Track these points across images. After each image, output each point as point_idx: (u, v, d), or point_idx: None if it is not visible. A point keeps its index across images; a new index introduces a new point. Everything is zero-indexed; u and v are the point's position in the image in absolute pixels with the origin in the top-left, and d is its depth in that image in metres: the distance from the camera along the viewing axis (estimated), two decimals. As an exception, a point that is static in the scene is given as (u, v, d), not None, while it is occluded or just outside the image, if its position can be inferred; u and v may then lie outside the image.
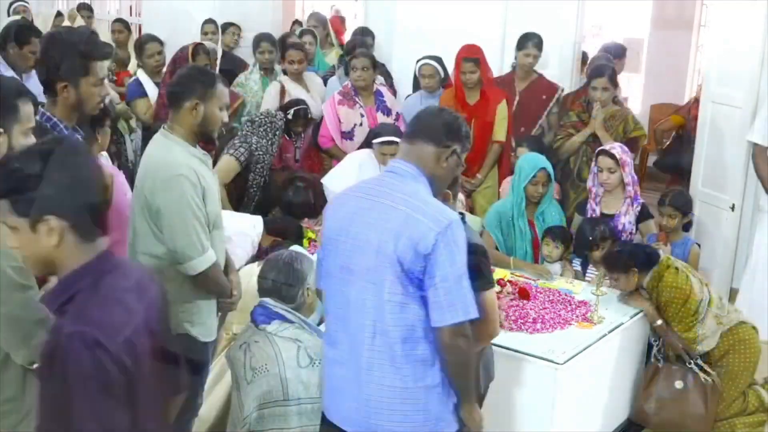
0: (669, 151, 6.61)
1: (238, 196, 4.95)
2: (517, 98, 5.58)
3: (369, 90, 5.48)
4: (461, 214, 2.73)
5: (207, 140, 3.15)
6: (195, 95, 2.93)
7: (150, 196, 2.91)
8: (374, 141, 4.85)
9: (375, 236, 2.39)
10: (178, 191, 2.84)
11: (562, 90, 5.66)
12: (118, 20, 8.08)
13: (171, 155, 2.92)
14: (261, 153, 4.93)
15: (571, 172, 5.28)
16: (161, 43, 5.80)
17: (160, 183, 2.89)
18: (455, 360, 2.45)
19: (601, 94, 5.06)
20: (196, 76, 3.03)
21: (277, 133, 5.01)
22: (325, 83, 6.26)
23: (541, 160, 4.47)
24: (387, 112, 5.50)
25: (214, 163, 4.39)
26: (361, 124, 5.42)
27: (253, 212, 4.84)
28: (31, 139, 2.40)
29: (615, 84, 5.14)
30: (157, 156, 2.98)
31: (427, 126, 2.54)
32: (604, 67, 5.25)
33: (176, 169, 2.86)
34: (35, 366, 2.14)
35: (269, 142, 4.96)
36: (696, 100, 6.32)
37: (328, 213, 2.62)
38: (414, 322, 2.40)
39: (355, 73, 5.40)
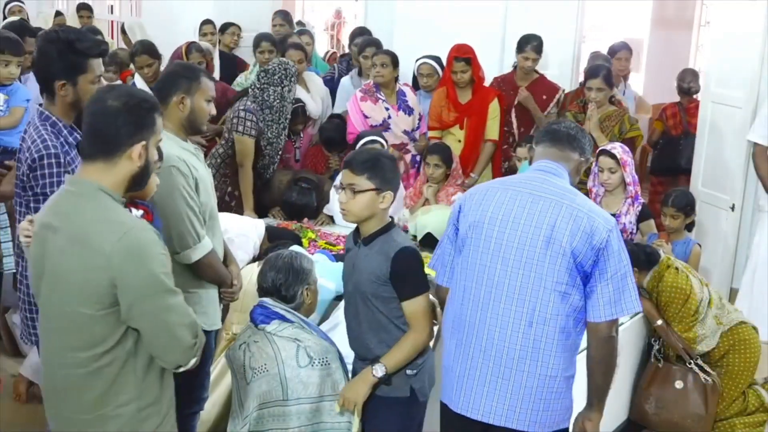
0: (659, 154, 6.66)
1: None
2: (517, 98, 5.58)
3: (390, 88, 5.47)
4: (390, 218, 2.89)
5: (196, 133, 3.20)
6: (180, 90, 3.00)
7: None
8: (360, 143, 4.88)
9: (545, 227, 2.52)
10: (171, 182, 2.88)
11: (563, 91, 5.65)
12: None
13: (162, 148, 2.95)
14: (271, 118, 5.02)
15: None
16: (154, 55, 5.63)
17: None
18: (606, 355, 2.59)
19: (596, 94, 5.05)
20: (180, 71, 3.10)
21: (293, 80, 5.12)
22: (325, 84, 6.27)
23: None
24: (409, 111, 5.50)
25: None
26: (389, 117, 5.42)
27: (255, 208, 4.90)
28: None
29: (610, 84, 5.13)
30: None
31: (574, 138, 2.75)
32: (600, 67, 5.24)
33: (167, 161, 2.89)
34: (181, 369, 2.26)
35: (283, 93, 5.05)
36: (674, 104, 6.37)
37: (469, 203, 2.70)
38: (572, 312, 2.52)
39: (375, 69, 5.42)
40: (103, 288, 2.11)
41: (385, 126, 5.40)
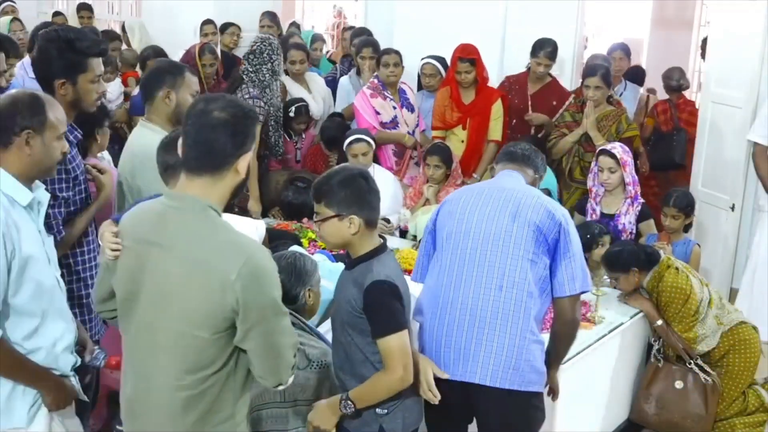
0: (652, 150, 6.64)
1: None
2: (529, 101, 5.56)
3: (395, 87, 5.52)
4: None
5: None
6: (166, 85, 3.11)
7: (131, 178, 3.06)
8: (345, 145, 4.91)
9: (510, 206, 2.80)
10: (155, 172, 2.91)
11: (574, 97, 5.61)
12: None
13: (149, 141, 3.04)
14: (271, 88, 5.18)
15: (563, 171, 5.26)
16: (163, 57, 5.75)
17: (139, 164, 3.04)
18: (569, 328, 2.87)
19: (594, 92, 5.04)
20: (165, 67, 3.21)
21: (279, 52, 5.26)
22: (327, 84, 6.27)
23: (544, 181, 4.42)
24: (411, 108, 5.53)
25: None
26: (396, 116, 5.47)
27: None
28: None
29: (608, 83, 5.12)
30: (135, 142, 3.15)
31: (528, 157, 3.05)
32: (597, 66, 5.23)
33: (153, 151, 2.95)
34: (281, 387, 2.24)
35: (274, 68, 5.20)
36: (664, 101, 6.38)
37: (445, 205, 2.97)
38: (537, 281, 2.75)
39: (387, 69, 5.44)
40: (222, 312, 2.05)
41: (394, 123, 5.44)
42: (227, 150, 2.09)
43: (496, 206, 2.82)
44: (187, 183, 2.12)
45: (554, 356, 2.93)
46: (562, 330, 2.88)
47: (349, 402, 2.56)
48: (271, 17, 7.21)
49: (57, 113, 2.42)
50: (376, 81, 5.48)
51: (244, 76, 5.18)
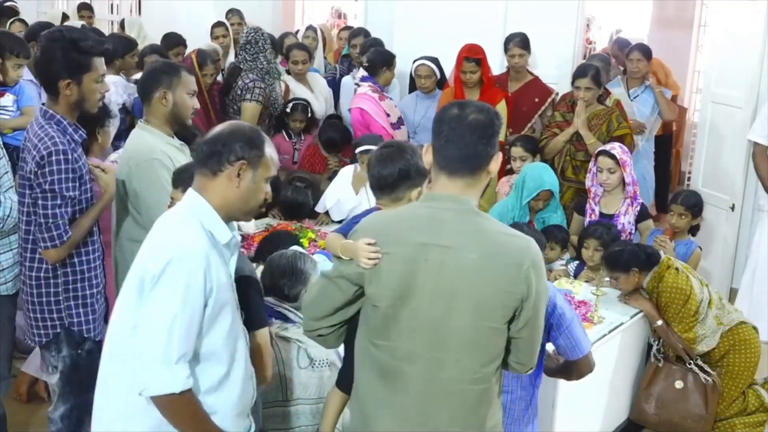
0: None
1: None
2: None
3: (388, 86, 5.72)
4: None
5: (181, 126, 3.28)
6: (162, 85, 3.10)
7: (127, 180, 3.06)
8: (357, 151, 4.93)
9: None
10: (153, 174, 2.99)
11: (557, 94, 5.62)
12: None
13: (146, 143, 3.08)
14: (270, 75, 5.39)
15: (555, 171, 5.27)
16: (162, 55, 5.74)
17: (135, 167, 3.04)
18: None
19: (584, 93, 5.05)
20: (161, 68, 3.20)
21: (269, 40, 5.51)
22: (327, 84, 6.28)
23: (546, 181, 4.40)
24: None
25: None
26: (399, 115, 5.59)
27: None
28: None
29: (599, 84, 5.12)
30: (132, 145, 3.15)
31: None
32: (588, 67, 5.22)
33: (149, 154, 3.02)
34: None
35: (267, 56, 5.42)
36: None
37: None
38: None
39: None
40: (513, 302, 2.12)
41: (400, 122, 5.51)
42: (485, 152, 2.16)
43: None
44: (449, 184, 2.17)
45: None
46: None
47: None
48: (240, 15, 7.27)
49: (274, 154, 2.29)
50: (372, 83, 5.49)
51: (242, 66, 5.34)
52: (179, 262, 2.07)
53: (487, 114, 2.17)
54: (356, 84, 5.60)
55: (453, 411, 2.17)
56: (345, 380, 2.69)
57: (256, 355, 2.43)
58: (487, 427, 2.20)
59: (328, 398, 2.86)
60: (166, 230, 2.19)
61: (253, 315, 2.45)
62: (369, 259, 2.14)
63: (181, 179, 2.68)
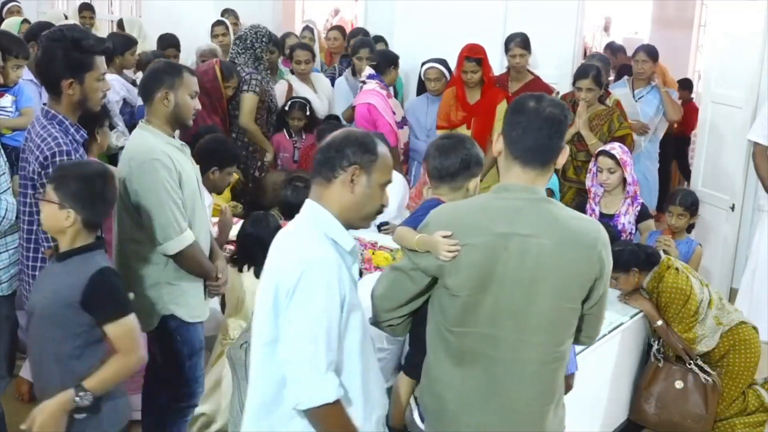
0: None
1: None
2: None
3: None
4: None
5: (182, 127, 3.29)
6: (164, 85, 3.08)
7: (128, 181, 3.05)
8: None
9: None
10: (153, 174, 2.97)
11: (557, 93, 5.62)
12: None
13: (146, 144, 3.07)
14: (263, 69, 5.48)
15: (556, 171, 5.26)
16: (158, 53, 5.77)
17: (136, 167, 3.03)
18: None
19: (585, 94, 5.05)
20: (162, 68, 3.18)
21: (264, 39, 5.53)
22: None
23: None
24: None
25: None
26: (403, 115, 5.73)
27: (252, 208, 4.93)
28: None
29: (600, 84, 5.12)
30: (133, 145, 3.14)
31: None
32: (589, 67, 5.23)
33: (150, 154, 3.00)
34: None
35: (257, 55, 5.49)
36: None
37: None
38: None
39: (397, 70, 5.76)
40: (588, 282, 2.26)
41: (404, 121, 5.57)
42: (557, 145, 2.28)
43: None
44: (521, 174, 2.26)
45: None
46: None
47: (85, 392, 2.45)
48: (235, 15, 7.30)
49: (387, 159, 2.26)
50: (380, 82, 5.52)
51: (236, 61, 5.46)
52: (312, 273, 2.08)
53: (561, 109, 2.28)
54: (362, 81, 5.61)
55: (532, 390, 2.29)
56: (412, 366, 2.78)
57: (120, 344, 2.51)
58: (554, 399, 2.34)
59: (397, 385, 2.95)
60: (292, 244, 2.19)
61: (108, 307, 2.55)
62: (449, 252, 2.20)
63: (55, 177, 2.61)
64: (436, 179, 2.97)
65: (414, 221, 2.63)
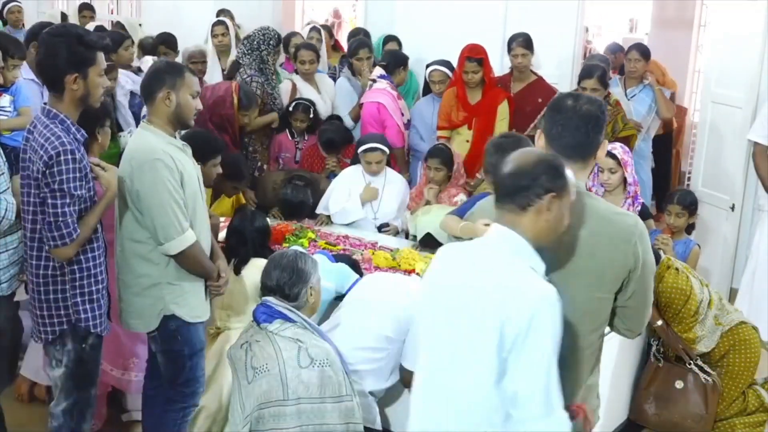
0: None
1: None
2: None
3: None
4: None
5: (184, 127, 3.30)
6: (165, 85, 3.09)
7: (129, 181, 3.05)
8: (359, 150, 4.95)
9: None
10: (155, 174, 2.98)
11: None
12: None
13: (148, 143, 3.08)
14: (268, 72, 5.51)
15: None
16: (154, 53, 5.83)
17: (138, 167, 3.03)
18: None
19: (591, 94, 5.04)
20: (164, 68, 3.20)
21: (271, 42, 5.52)
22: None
23: None
24: None
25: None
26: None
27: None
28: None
29: (605, 85, 5.12)
30: (134, 145, 3.15)
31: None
32: (594, 67, 5.22)
33: (152, 154, 3.01)
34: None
35: (262, 58, 5.49)
36: None
37: None
38: None
39: (405, 72, 5.78)
40: (623, 273, 2.34)
41: (410, 123, 5.61)
42: (596, 140, 2.38)
43: None
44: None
45: None
46: None
47: None
48: (230, 15, 7.29)
49: (572, 177, 2.23)
50: (390, 82, 5.56)
51: (241, 61, 5.49)
52: (544, 313, 2.06)
53: (598, 106, 2.39)
54: (372, 80, 5.62)
55: (563, 373, 2.22)
56: None
57: None
58: (587, 383, 2.44)
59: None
60: (507, 278, 2.13)
61: None
62: None
63: None
64: (492, 174, 3.09)
65: (461, 211, 2.76)
